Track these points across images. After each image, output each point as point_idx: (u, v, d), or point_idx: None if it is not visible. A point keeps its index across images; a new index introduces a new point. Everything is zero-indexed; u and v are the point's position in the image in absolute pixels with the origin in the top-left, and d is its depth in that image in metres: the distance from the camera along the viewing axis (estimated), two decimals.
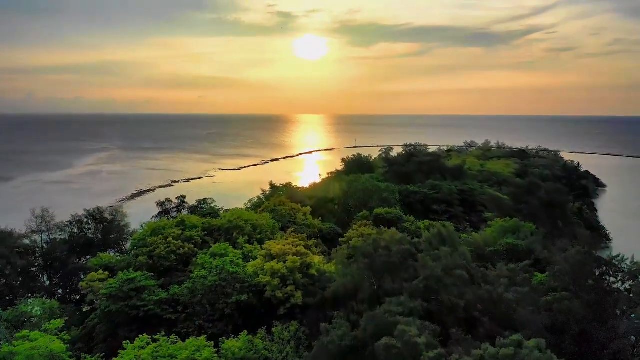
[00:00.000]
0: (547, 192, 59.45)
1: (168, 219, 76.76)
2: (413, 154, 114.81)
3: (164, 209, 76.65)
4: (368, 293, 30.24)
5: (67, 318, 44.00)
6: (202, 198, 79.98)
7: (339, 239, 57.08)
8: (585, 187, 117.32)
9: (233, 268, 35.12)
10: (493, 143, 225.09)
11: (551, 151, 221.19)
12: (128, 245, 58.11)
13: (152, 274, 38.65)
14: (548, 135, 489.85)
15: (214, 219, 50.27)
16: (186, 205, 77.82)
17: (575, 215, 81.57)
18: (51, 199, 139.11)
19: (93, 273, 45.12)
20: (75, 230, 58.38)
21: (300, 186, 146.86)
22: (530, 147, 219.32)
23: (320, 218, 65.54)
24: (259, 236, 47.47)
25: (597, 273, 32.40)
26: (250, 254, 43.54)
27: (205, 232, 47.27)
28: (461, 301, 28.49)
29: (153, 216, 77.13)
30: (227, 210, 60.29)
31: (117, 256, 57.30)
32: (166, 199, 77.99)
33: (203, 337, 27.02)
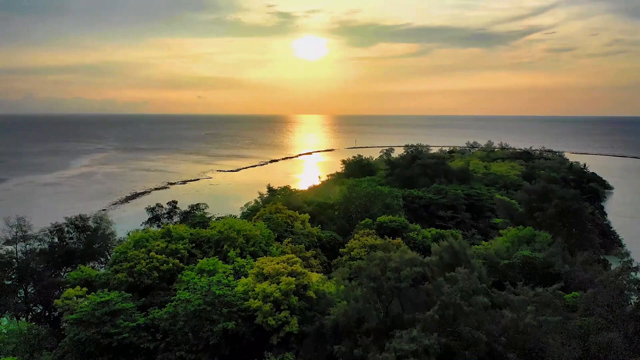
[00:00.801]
0: (562, 199, 55.40)
1: (159, 226, 72.84)
2: (416, 156, 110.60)
3: (154, 215, 72.46)
4: (374, 322, 26.08)
5: (39, 340, 39.93)
6: (194, 203, 75.95)
7: (340, 250, 52.97)
8: (595, 190, 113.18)
9: (220, 290, 30.91)
10: (496, 144, 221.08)
11: (555, 152, 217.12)
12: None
13: (130, 295, 34.43)
14: (549, 135, 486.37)
15: (203, 229, 46.08)
16: (178, 211, 73.67)
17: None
18: (40, 202, 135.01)
19: (70, 289, 40.99)
20: (56, 239, 54.11)
21: (300, 189, 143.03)
22: (533, 148, 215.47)
23: (319, 225, 61.45)
24: (251, 248, 43.29)
25: (635, 298, 28.28)
26: (241, 270, 39.40)
27: (193, 244, 43.09)
28: (482, 333, 24.33)
29: (143, 222, 73.11)
30: (219, 218, 56.01)
31: (101, 268, 53.24)
32: (157, 204, 73.78)
33: None
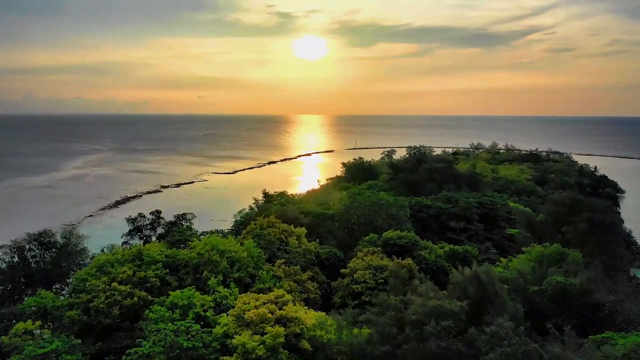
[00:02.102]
0: (593, 211, 48.85)
1: (140, 238, 66.08)
2: (421, 159, 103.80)
3: (136, 226, 65.77)
4: None
5: None
6: (180, 213, 69.31)
7: (341, 270, 46.35)
8: (612, 196, 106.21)
9: (188, 341, 24.22)
10: (501, 145, 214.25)
11: (562, 154, 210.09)
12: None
13: (80, 341, 27.70)
14: (550, 136, 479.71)
15: (181, 250, 39.38)
16: (162, 221, 67.00)
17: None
18: (26, 207, 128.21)
19: (20, 323, 34.36)
20: (16, 259, 47.40)
21: (298, 192, 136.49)
22: (540, 150, 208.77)
23: (317, 240, 54.80)
24: (236, 274, 36.57)
25: None
26: (223, 302, 32.74)
27: (168, 270, 36.38)
28: None
29: (123, 234, 66.52)
30: (204, 233, 49.27)
31: (66, 293, 46.57)
32: (139, 214, 67.05)
33: None
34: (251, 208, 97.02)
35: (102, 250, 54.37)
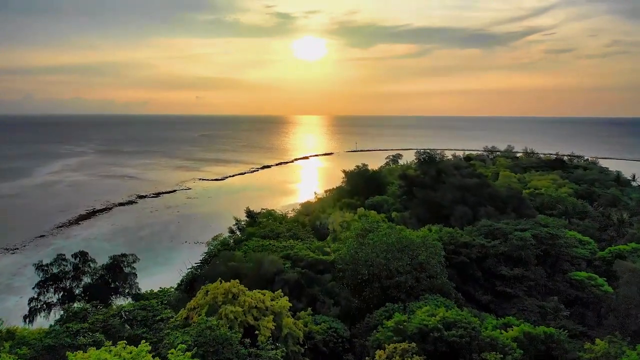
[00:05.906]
0: None
1: (57, 291, 46.58)
2: (441, 170, 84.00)
3: (51, 275, 46.17)
4: None
5: None
6: (120, 253, 49.80)
7: None
8: None
9: None
10: (518, 148, 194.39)
11: (582, 157, 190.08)
12: None
13: None
14: (556, 137, 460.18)
15: None
16: (89, 268, 47.49)
17: None
18: None
19: None
20: None
21: (292, 204, 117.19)
22: (560, 153, 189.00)
23: (310, 309, 35.26)
24: None
25: None
26: None
27: None
28: None
29: (35, 285, 46.95)
30: (119, 313, 29.47)
31: None
32: (58, 256, 47.58)
33: None
34: (231, 231, 78.09)
35: None
